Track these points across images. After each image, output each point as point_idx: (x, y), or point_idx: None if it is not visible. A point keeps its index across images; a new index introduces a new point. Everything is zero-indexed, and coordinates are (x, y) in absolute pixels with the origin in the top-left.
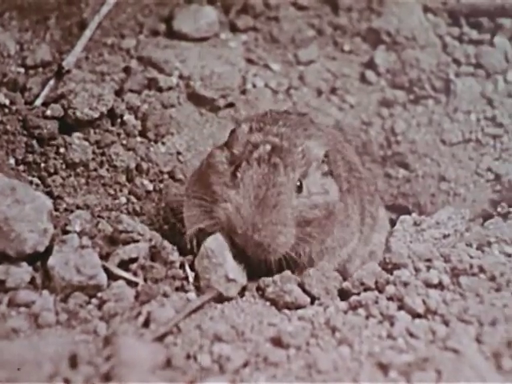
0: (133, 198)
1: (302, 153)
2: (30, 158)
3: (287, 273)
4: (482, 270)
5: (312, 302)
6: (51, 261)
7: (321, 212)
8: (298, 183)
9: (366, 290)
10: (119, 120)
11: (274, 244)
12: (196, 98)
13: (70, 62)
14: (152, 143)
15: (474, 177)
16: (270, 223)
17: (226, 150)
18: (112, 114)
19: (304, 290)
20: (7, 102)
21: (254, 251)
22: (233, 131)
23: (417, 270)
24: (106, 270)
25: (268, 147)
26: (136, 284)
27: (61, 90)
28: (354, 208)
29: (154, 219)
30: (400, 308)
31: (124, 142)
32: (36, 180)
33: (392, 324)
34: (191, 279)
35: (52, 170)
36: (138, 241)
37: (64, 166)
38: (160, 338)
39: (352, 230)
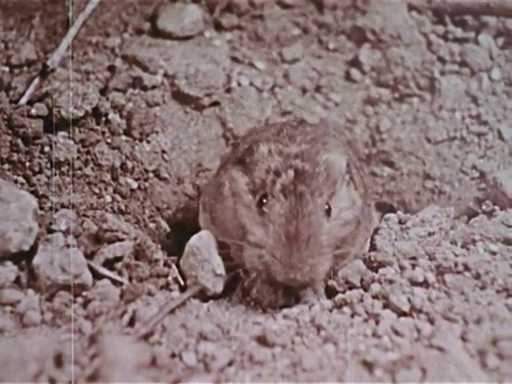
0: (118, 197)
1: (326, 172)
2: (15, 156)
3: None
4: (466, 267)
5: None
6: (36, 260)
7: (352, 226)
8: (327, 206)
9: (351, 288)
10: (104, 119)
11: (315, 277)
12: (181, 97)
13: (55, 61)
14: (137, 142)
15: (459, 175)
16: (307, 259)
17: (246, 175)
18: (97, 113)
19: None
20: None
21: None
22: (249, 150)
23: (402, 268)
24: (91, 268)
25: (291, 174)
26: (121, 283)
27: (45, 88)
28: (369, 210)
29: (139, 218)
30: (385, 306)
31: (109, 140)
32: (21, 179)
33: (377, 322)
34: (180, 278)
35: (37, 169)
36: (122, 239)
37: (49, 165)
38: (145, 337)
39: (370, 233)
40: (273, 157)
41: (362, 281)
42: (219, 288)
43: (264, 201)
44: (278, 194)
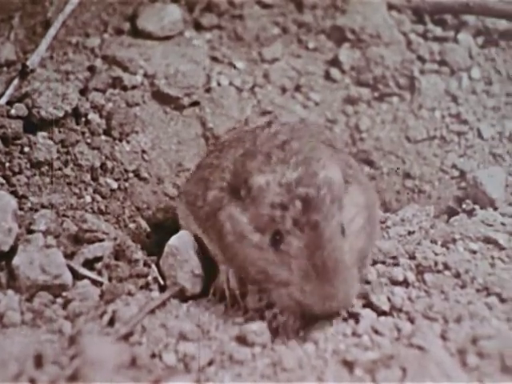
0: (98, 197)
1: (330, 192)
2: None
3: None
4: (446, 266)
5: None
6: (16, 260)
7: (366, 229)
8: (340, 227)
9: None
10: (84, 119)
11: (350, 301)
12: (161, 97)
13: (35, 61)
14: (117, 142)
15: (439, 174)
16: (339, 286)
17: (246, 211)
18: (76, 113)
19: None
20: None
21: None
22: (243, 182)
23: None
24: (71, 269)
25: (298, 204)
26: (101, 283)
27: (25, 89)
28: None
29: (119, 218)
30: (365, 305)
31: (89, 140)
32: (0, 179)
33: (357, 321)
34: (159, 278)
35: (16, 170)
36: (102, 240)
37: (29, 165)
38: (125, 337)
39: (379, 216)
40: (273, 190)
41: None
42: (197, 288)
43: (277, 237)
44: (292, 229)
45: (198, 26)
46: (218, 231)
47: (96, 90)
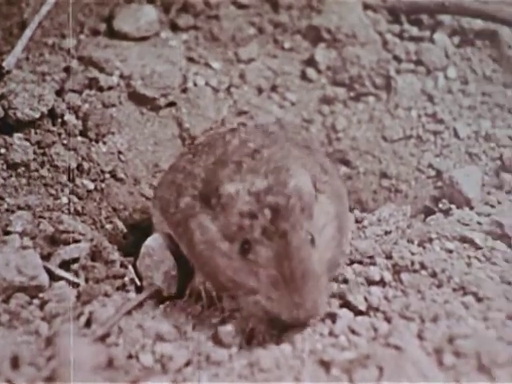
0: (74, 198)
1: (300, 201)
2: None
3: None
4: (423, 266)
5: None
6: None
7: (336, 238)
8: (310, 236)
9: None
10: (60, 120)
11: (319, 311)
12: (137, 98)
13: (11, 63)
14: (93, 143)
15: (416, 173)
16: (307, 295)
17: (216, 220)
18: (53, 114)
19: None
20: None
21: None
22: (213, 190)
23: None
24: (48, 270)
25: (268, 213)
26: (77, 284)
27: (1, 90)
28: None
29: (96, 219)
30: (342, 305)
31: (65, 141)
32: None
33: (334, 321)
34: (136, 279)
35: None
36: (79, 241)
37: (5, 167)
38: (102, 338)
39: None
40: (243, 198)
41: None
42: (173, 289)
43: (246, 246)
44: (260, 237)
45: (174, 27)
46: (189, 239)
47: (72, 91)
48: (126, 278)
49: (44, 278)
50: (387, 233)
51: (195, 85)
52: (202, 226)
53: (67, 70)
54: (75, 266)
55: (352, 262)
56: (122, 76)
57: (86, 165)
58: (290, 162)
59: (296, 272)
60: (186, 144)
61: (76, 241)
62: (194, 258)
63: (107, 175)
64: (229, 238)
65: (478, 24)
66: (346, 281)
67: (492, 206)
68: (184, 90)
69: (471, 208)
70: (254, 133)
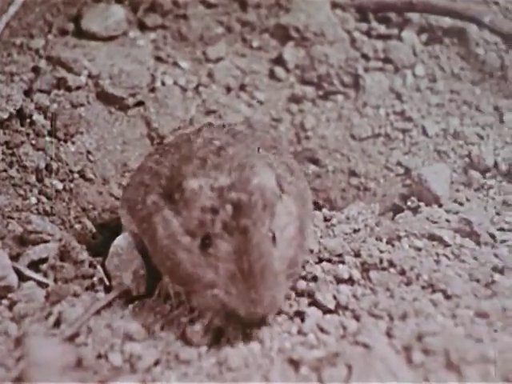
0: (43, 198)
1: (262, 198)
2: None
3: None
4: (391, 264)
5: None
6: None
7: (297, 238)
8: (271, 234)
9: None
10: (28, 120)
11: (276, 307)
12: (105, 97)
13: None
14: (61, 143)
15: (384, 171)
16: (265, 292)
17: (179, 215)
18: (21, 115)
19: None
20: None
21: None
22: (177, 186)
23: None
24: (17, 270)
25: (229, 209)
26: (46, 284)
27: None
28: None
29: (65, 219)
30: (310, 304)
31: (33, 142)
32: None
33: (303, 320)
34: (105, 279)
35: None
36: (47, 241)
37: None
38: (71, 338)
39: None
40: (205, 194)
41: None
42: (142, 289)
43: (206, 241)
44: (221, 232)
45: (142, 26)
46: (152, 234)
47: (40, 91)
48: (95, 278)
49: (13, 279)
50: (356, 231)
51: (163, 84)
52: (165, 220)
53: (35, 70)
54: (44, 267)
55: (321, 260)
56: (90, 76)
57: (54, 165)
58: (255, 160)
59: (255, 268)
60: (154, 143)
61: (45, 241)
62: (155, 253)
63: (76, 175)
64: (190, 232)
65: (446, 22)
66: (314, 279)
67: (460, 204)
68: (152, 90)
69: (440, 206)
70: (219, 131)
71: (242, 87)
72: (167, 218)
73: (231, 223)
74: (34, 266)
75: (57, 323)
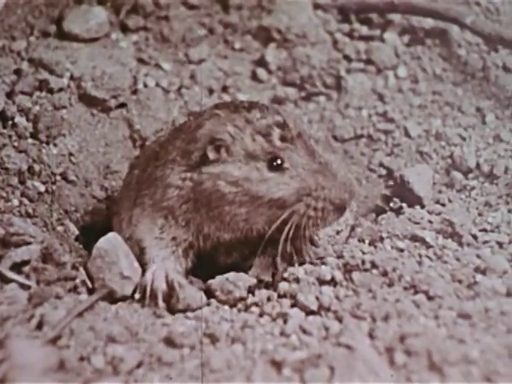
0: (25, 201)
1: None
2: None
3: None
4: (374, 265)
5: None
6: None
7: None
8: None
9: (261, 281)
10: (10, 122)
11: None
12: (87, 99)
13: None
14: (44, 145)
15: (367, 172)
16: (344, 173)
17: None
18: (3, 117)
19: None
20: None
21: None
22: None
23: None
24: None
25: (276, 130)
26: (29, 286)
27: None
28: None
29: (47, 221)
30: (293, 305)
31: (15, 144)
32: None
33: (285, 321)
34: (87, 281)
35: None
36: (30, 243)
37: None
38: (53, 341)
39: None
40: (251, 124)
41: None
42: (128, 290)
43: (276, 162)
44: (284, 146)
45: (124, 28)
46: (208, 195)
47: (22, 93)
48: (78, 280)
49: None
50: (338, 232)
51: (145, 86)
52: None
53: (17, 72)
54: (26, 269)
55: (303, 262)
56: (72, 78)
57: (36, 167)
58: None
59: (329, 160)
60: (136, 145)
61: (27, 243)
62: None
63: (58, 177)
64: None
65: (428, 23)
66: (297, 280)
67: (443, 205)
68: (134, 92)
69: (422, 207)
70: None
71: (225, 89)
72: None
73: (287, 134)
74: (17, 268)
75: (39, 325)
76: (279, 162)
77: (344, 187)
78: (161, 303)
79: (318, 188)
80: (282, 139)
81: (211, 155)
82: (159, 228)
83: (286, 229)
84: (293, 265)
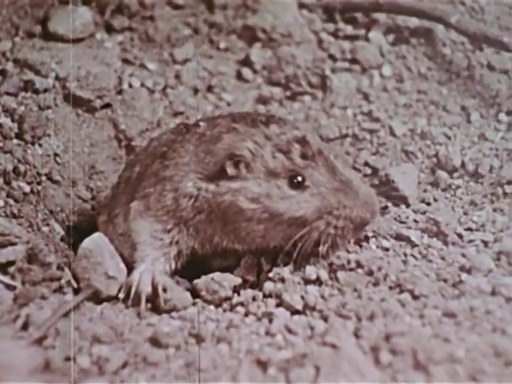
0: (10, 201)
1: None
2: None
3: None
4: (359, 264)
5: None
6: None
7: None
8: None
9: (246, 281)
10: None
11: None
12: (73, 99)
13: None
14: (29, 145)
15: None
16: (366, 191)
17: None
18: None
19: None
20: None
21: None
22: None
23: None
24: None
25: (296, 146)
26: (14, 287)
27: None
28: None
29: (33, 221)
30: (278, 305)
31: (1, 144)
32: None
33: (270, 321)
34: (73, 281)
35: None
36: (15, 244)
37: None
38: (38, 341)
39: None
40: (271, 140)
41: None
42: (113, 290)
43: (296, 180)
44: (305, 163)
45: (109, 28)
46: (225, 209)
47: (8, 93)
48: (63, 280)
49: None
50: None
51: (130, 86)
52: (244, 189)
53: (2, 72)
54: (12, 269)
55: (288, 262)
56: (57, 78)
57: (22, 167)
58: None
59: (351, 177)
60: (122, 145)
61: (12, 243)
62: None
63: (43, 177)
64: (273, 173)
65: (413, 22)
66: (282, 280)
67: (428, 204)
68: (119, 92)
69: (407, 206)
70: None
71: (210, 88)
72: (244, 187)
73: (307, 151)
74: (2, 268)
75: (25, 326)
76: (300, 179)
77: (366, 206)
78: (143, 306)
79: (340, 207)
80: (303, 156)
81: (230, 171)
82: (162, 230)
83: (302, 244)
84: (278, 265)
